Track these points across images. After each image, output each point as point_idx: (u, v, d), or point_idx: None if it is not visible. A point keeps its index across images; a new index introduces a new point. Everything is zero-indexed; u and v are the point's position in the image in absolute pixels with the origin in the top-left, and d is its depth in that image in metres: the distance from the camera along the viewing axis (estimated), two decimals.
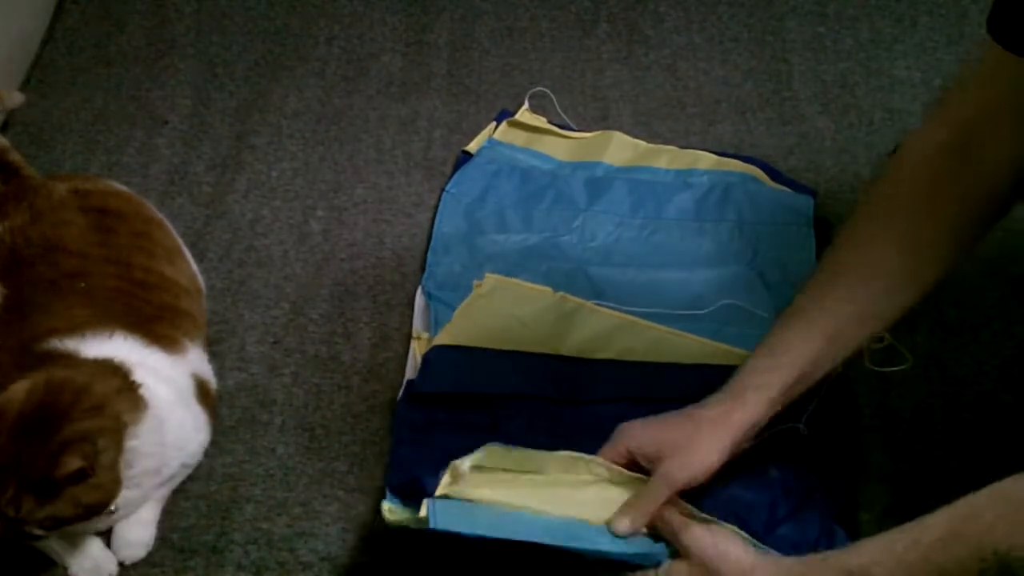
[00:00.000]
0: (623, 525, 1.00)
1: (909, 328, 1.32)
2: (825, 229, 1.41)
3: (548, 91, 1.60)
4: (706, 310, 1.31)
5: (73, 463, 0.96)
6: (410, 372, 1.26)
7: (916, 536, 0.83)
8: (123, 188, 1.31)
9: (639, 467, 1.03)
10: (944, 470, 1.23)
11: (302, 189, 1.50)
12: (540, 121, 1.56)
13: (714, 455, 1.00)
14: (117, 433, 1.01)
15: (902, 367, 1.26)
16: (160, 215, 1.30)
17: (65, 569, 1.09)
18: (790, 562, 0.92)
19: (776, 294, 1.33)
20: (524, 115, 1.57)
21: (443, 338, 1.24)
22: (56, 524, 0.99)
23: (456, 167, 1.50)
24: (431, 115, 1.61)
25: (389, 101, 1.63)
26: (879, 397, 1.28)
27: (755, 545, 0.99)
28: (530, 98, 1.59)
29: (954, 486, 1.23)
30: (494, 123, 1.56)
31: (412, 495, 1.01)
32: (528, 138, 1.54)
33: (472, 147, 1.53)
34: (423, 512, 0.96)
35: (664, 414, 1.05)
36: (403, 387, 1.24)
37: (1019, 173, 0.98)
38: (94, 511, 1.00)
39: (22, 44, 1.67)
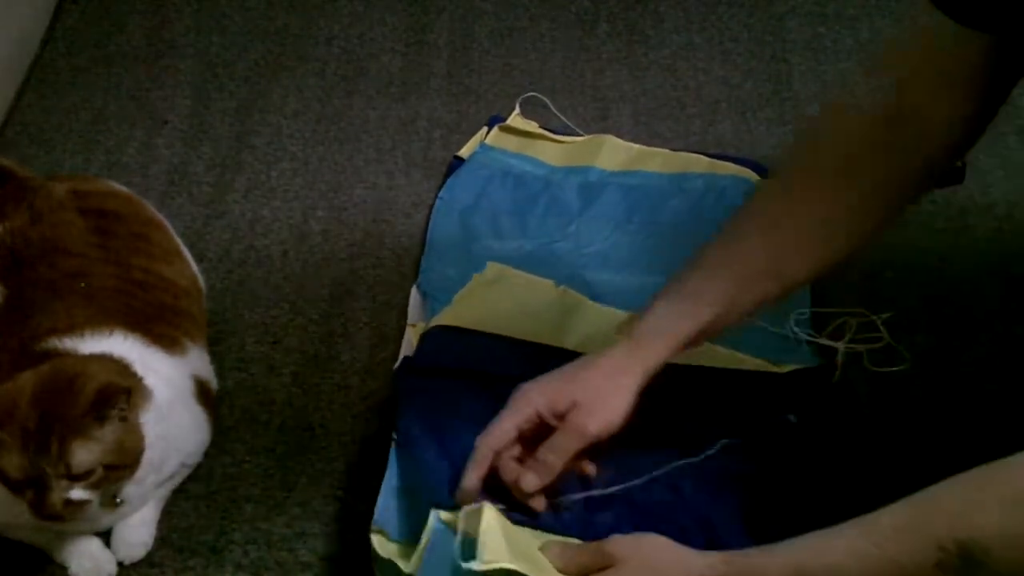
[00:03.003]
0: (530, 482, 0.94)
1: (909, 328, 1.32)
2: None
3: (541, 95, 1.60)
4: None
5: (118, 383, 0.98)
6: (406, 352, 1.24)
7: (871, 526, 0.79)
8: (122, 189, 1.31)
9: (545, 430, 0.96)
10: (944, 470, 1.23)
11: (302, 189, 1.50)
12: (531, 126, 1.56)
13: (624, 403, 0.95)
14: (136, 386, 1.02)
15: (901, 367, 1.26)
16: (159, 216, 1.30)
17: (65, 569, 1.09)
18: (734, 559, 0.85)
19: None
20: (515, 120, 1.56)
21: (441, 320, 1.23)
22: (100, 480, 0.99)
23: (448, 172, 1.49)
24: (431, 115, 1.61)
25: (389, 101, 1.63)
26: (879, 397, 1.28)
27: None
28: (525, 102, 1.59)
29: None
30: (485, 128, 1.55)
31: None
32: (520, 143, 1.54)
33: (464, 152, 1.52)
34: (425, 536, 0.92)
35: (562, 368, 0.99)
36: (399, 362, 1.22)
37: (953, 144, 0.95)
38: (128, 462, 1.01)
39: (22, 44, 1.67)
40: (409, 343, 1.27)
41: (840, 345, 1.29)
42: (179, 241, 1.29)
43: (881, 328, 1.31)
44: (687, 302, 0.98)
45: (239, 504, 1.16)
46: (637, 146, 1.53)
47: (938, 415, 1.27)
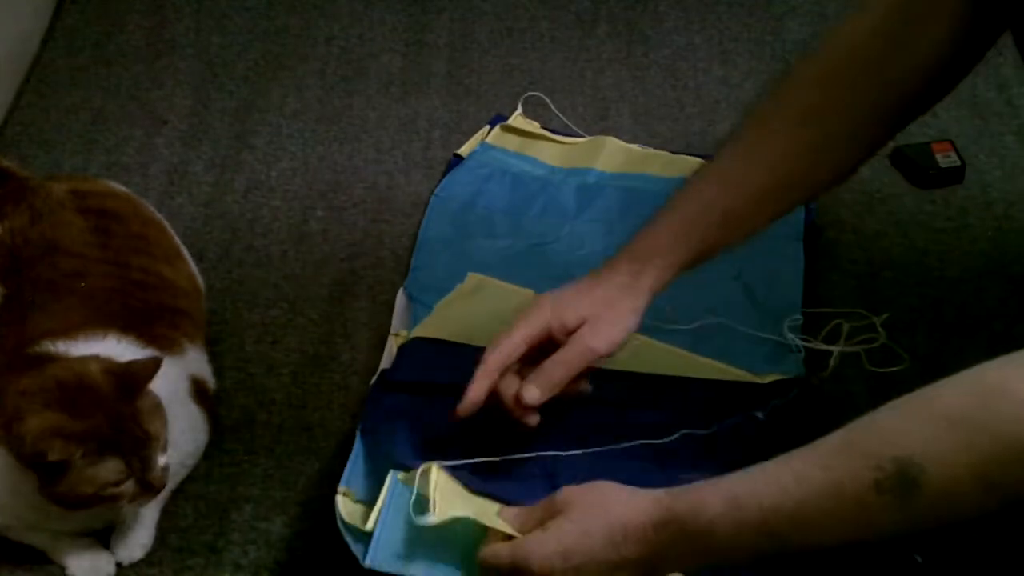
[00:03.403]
0: (532, 394, 0.96)
1: (909, 328, 1.32)
2: (815, 236, 1.41)
3: (543, 95, 1.60)
4: (689, 326, 1.30)
5: (151, 361, 1.01)
6: (385, 364, 1.25)
7: (812, 452, 0.78)
8: (122, 189, 1.31)
9: (542, 349, 0.98)
10: None
11: (301, 189, 1.50)
12: (533, 126, 1.56)
13: (630, 323, 0.98)
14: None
15: (900, 367, 1.26)
16: (159, 216, 1.30)
17: (64, 569, 1.09)
18: (679, 492, 0.84)
19: (762, 310, 1.33)
20: (517, 120, 1.56)
21: (420, 331, 1.24)
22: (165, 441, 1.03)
23: (447, 170, 1.49)
24: (431, 115, 1.61)
25: (389, 101, 1.63)
26: (879, 398, 1.28)
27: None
28: (526, 101, 1.59)
29: None
30: (487, 127, 1.55)
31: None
32: (521, 143, 1.54)
33: (464, 151, 1.52)
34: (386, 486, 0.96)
35: (572, 284, 1.00)
36: (376, 375, 1.22)
37: (935, 77, 0.95)
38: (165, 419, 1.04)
39: (22, 44, 1.67)
40: (390, 353, 1.27)
41: (835, 349, 1.29)
42: (179, 241, 1.29)
43: (880, 329, 1.31)
44: (685, 227, 0.99)
45: (238, 504, 1.16)
46: (638, 148, 1.53)
47: None
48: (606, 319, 0.97)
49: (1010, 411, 0.71)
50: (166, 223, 1.29)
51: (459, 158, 1.51)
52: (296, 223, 1.45)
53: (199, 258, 1.35)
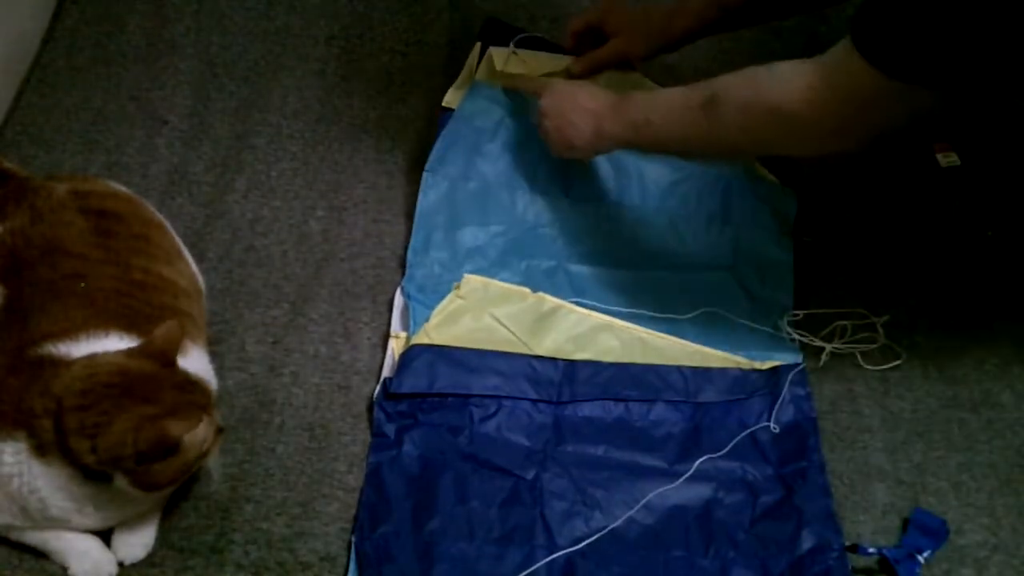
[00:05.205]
0: (575, 66, 1.49)
1: (909, 327, 1.33)
2: (812, 232, 1.42)
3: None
4: (685, 317, 1.31)
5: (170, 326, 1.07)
6: (387, 371, 1.26)
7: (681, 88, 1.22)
8: (123, 189, 1.31)
9: (595, 37, 1.48)
10: (944, 470, 1.23)
11: (302, 189, 1.50)
12: (524, 67, 1.51)
13: (648, 42, 1.46)
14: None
15: (896, 363, 1.27)
16: (160, 216, 1.30)
17: (65, 569, 1.09)
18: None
19: (755, 301, 1.34)
20: (510, 60, 1.51)
21: (421, 337, 1.25)
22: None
23: (440, 127, 1.47)
24: (431, 115, 1.60)
25: (389, 101, 1.63)
26: (879, 397, 1.28)
27: None
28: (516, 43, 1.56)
29: (953, 485, 1.23)
30: (478, 44, 1.54)
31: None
32: (512, 79, 1.49)
33: (451, 101, 1.50)
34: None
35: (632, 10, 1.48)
36: (379, 384, 1.24)
37: None
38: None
39: (22, 44, 1.67)
40: (392, 356, 1.28)
41: (827, 346, 1.30)
42: (179, 241, 1.29)
43: (879, 329, 1.31)
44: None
45: (239, 504, 1.16)
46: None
47: (938, 414, 1.27)
48: (635, 33, 1.46)
49: (767, 78, 1.12)
50: (167, 223, 1.29)
51: (447, 111, 1.49)
52: (296, 223, 1.45)
53: (200, 258, 1.35)
